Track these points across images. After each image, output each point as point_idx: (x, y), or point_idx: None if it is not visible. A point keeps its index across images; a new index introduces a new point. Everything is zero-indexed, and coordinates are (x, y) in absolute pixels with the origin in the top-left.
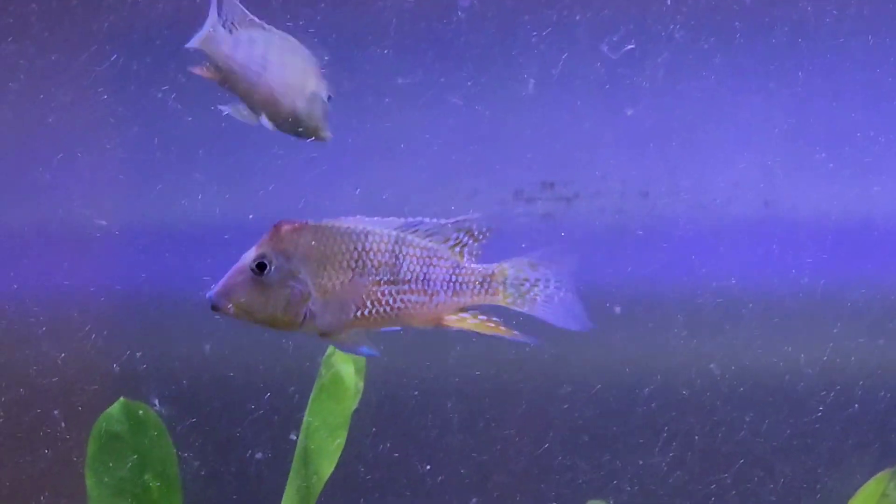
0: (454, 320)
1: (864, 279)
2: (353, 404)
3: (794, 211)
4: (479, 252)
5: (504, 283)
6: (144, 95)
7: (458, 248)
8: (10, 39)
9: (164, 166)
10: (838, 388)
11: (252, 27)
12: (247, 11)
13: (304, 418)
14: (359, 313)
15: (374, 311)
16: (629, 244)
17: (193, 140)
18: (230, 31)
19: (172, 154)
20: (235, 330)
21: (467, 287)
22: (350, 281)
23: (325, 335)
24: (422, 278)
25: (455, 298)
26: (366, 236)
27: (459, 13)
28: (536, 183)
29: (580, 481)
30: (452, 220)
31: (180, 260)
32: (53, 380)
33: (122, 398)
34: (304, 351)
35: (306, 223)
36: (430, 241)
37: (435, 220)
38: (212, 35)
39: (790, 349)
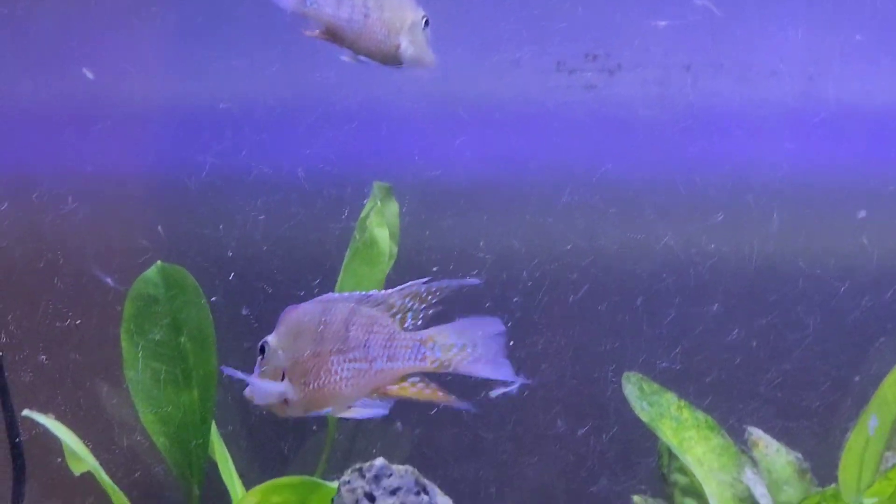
0: (395, 389)
1: None
2: (386, 268)
3: (837, 91)
4: (426, 315)
5: (433, 348)
6: None
7: (400, 315)
8: None
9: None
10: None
11: None
12: None
13: (338, 281)
14: (314, 384)
15: (325, 381)
16: (670, 117)
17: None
18: None
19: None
20: (271, 206)
21: (401, 353)
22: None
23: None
24: (363, 345)
25: (390, 364)
26: (328, 308)
27: None
28: (579, 54)
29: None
30: (398, 289)
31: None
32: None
33: (159, 261)
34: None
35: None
36: (377, 309)
37: (383, 292)
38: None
39: (827, 234)
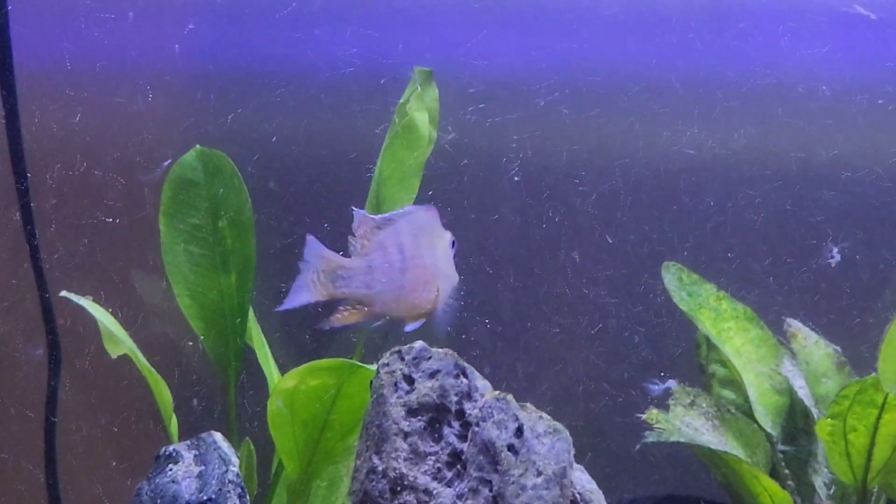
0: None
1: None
2: (426, 152)
3: None
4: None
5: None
6: None
7: None
8: None
9: None
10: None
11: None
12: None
13: (377, 166)
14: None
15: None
16: (721, 13)
17: None
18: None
19: None
20: (310, 95)
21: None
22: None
23: None
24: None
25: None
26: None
27: None
28: None
29: None
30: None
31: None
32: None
33: (197, 145)
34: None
35: None
36: None
37: None
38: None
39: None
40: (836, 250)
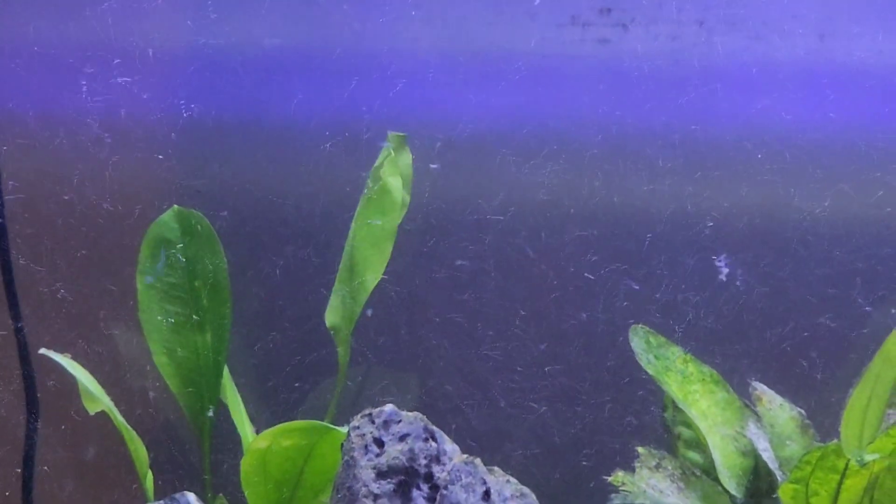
0: None
1: None
2: (399, 217)
3: (849, 52)
4: None
5: None
6: None
7: None
8: None
9: None
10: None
11: None
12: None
13: (350, 230)
14: None
15: None
16: (683, 73)
17: None
18: None
19: None
20: (284, 153)
21: None
22: None
23: None
24: None
25: None
26: None
27: None
28: (593, 8)
29: None
30: None
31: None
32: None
33: (175, 205)
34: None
35: None
36: None
37: None
38: None
39: (835, 195)
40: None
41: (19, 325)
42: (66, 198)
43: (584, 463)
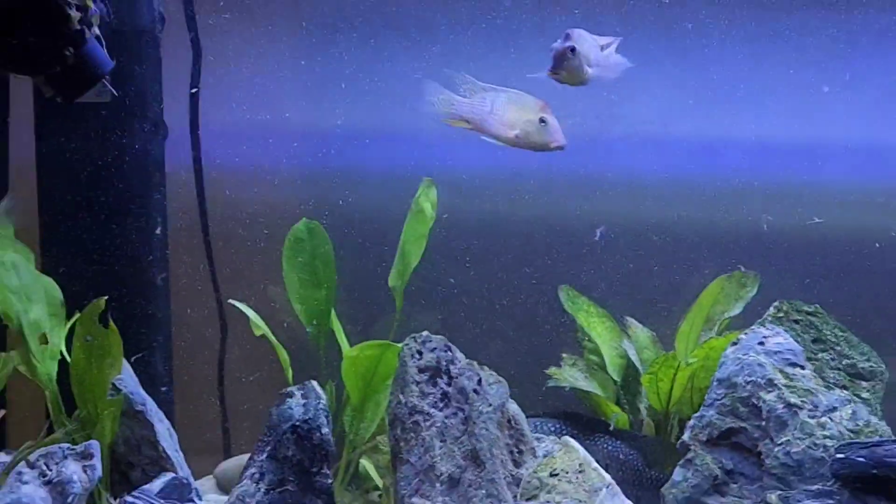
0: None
1: None
2: (429, 226)
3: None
4: None
5: None
6: None
7: None
8: None
9: None
10: None
11: (483, 91)
12: (477, 82)
13: (402, 233)
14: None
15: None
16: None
17: None
18: (466, 96)
19: None
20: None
21: None
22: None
23: None
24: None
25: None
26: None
27: None
28: None
29: None
30: None
31: None
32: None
33: (304, 218)
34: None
35: None
36: None
37: None
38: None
39: None
40: None
41: (217, 287)
42: (250, 211)
43: (533, 363)
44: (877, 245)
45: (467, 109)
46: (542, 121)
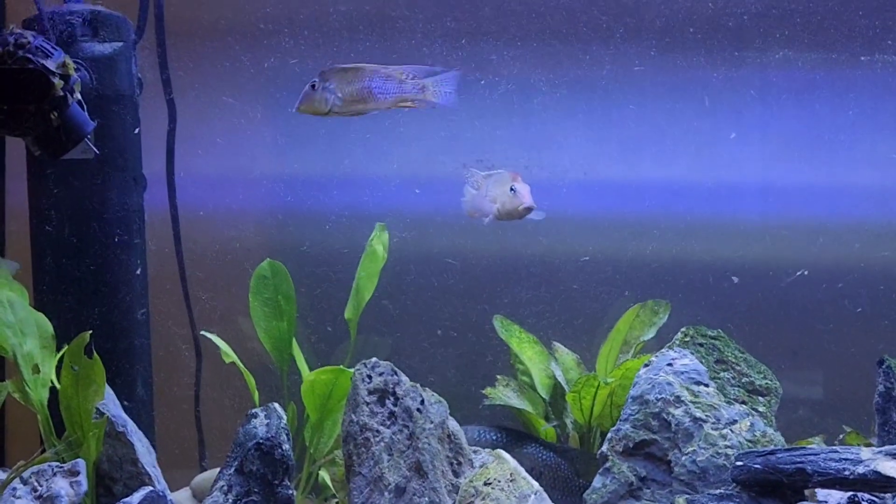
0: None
1: None
2: (381, 265)
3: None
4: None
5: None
6: None
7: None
8: None
9: None
10: None
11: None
12: (478, 172)
13: (357, 270)
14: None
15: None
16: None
17: None
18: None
19: None
20: (328, 232)
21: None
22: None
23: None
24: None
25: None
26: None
27: None
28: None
29: None
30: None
31: None
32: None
33: (268, 258)
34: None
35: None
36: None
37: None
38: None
39: None
40: None
41: (193, 320)
42: (221, 251)
43: (471, 385)
44: (770, 274)
45: (479, 200)
46: (511, 189)
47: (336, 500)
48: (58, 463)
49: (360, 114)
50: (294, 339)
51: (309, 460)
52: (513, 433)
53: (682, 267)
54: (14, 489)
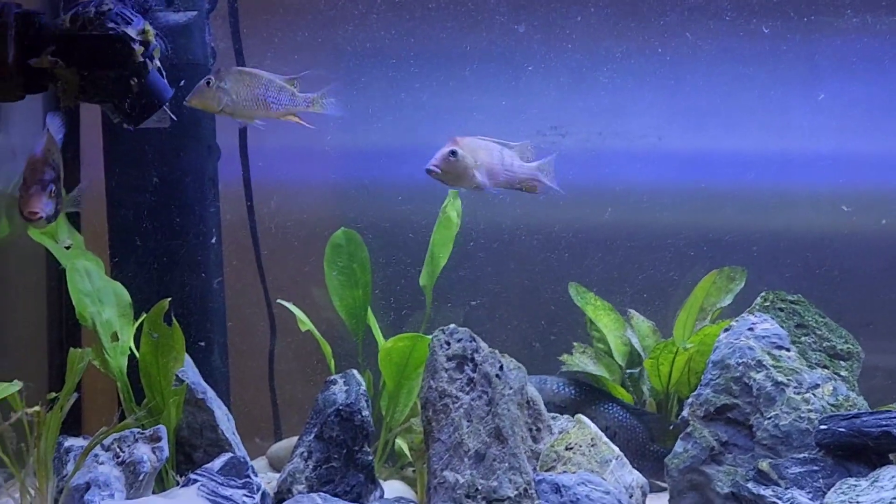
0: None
1: None
2: (455, 232)
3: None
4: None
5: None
6: None
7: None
8: None
9: None
10: None
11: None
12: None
13: (431, 237)
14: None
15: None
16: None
17: None
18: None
19: None
20: (403, 203)
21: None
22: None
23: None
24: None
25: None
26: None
27: None
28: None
29: None
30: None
31: None
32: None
33: (342, 227)
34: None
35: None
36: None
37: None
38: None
39: None
40: None
41: (266, 288)
42: (295, 221)
43: (546, 352)
44: (844, 243)
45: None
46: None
47: (413, 468)
48: (138, 429)
49: (250, 119)
50: (369, 308)
51: (385, 428)
52: (590, 389)
53: (754, 236)
54: (96, 455)
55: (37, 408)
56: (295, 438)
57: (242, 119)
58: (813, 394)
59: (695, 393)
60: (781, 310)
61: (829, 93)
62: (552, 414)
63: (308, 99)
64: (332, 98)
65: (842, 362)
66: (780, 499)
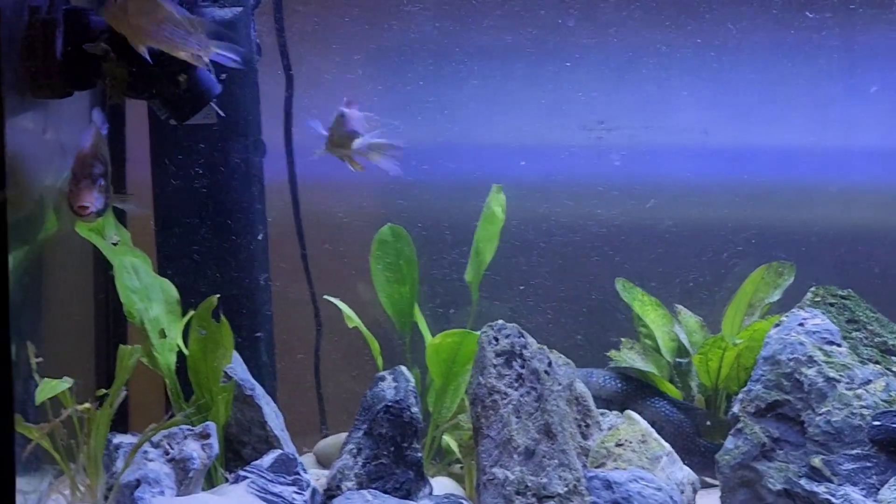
0: None
1: None
2: (500, 226)
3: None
4: None
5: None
6: None
7: None
8: None
9: None
10: None
11: None
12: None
13: (476, 232)
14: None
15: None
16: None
17: None
18: None
19: None
20: (446, 199)
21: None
22: None
23: None
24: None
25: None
26: None
27: None
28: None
29: None
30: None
31: None
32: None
33: (389, 223)
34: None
35: None
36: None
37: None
38: None
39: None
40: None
41: (312, 285)
42: (340, 218)
43: (593, 348)
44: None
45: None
46: (341, 114)
47: (461, 465)
48: (188, 426)
49: (142, 45)
50: (416, 304)
51: (433, 425)
52: (638, 384)
53: (801, 232)
54: (146, 452)
55: (87, 405)
56: (342, 435)
57: (137, 44)
58: (865, 389)
59: (745, 389)
60: (832, 305)
61: (881, 85)
62: (600, 409)
63: (203, 42)
64: (232, 55)
65: (893, 358)
66: (833, 495)
